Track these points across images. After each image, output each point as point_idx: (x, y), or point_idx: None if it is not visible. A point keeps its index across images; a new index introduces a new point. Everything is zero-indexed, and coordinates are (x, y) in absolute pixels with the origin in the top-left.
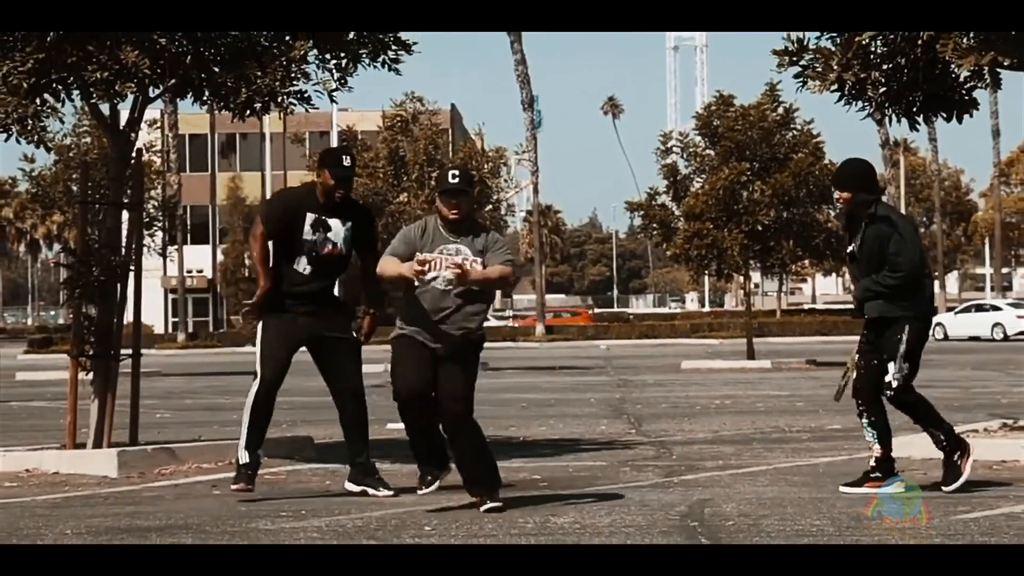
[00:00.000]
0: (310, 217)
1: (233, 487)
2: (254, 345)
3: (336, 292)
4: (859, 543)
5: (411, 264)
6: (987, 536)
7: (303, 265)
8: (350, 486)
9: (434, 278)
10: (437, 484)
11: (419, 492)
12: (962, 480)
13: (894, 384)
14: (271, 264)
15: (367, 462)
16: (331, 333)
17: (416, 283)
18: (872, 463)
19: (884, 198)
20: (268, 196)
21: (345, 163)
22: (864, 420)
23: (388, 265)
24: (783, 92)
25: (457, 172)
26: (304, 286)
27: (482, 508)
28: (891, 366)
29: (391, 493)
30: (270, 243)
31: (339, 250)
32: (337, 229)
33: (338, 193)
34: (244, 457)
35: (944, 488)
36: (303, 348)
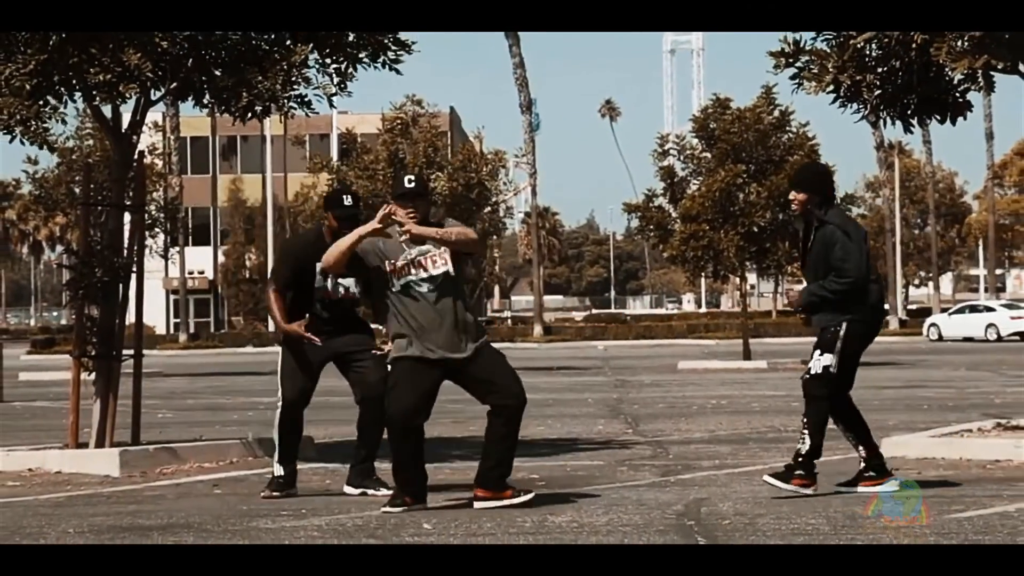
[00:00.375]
0: (319, 266)
1: (263, 495)
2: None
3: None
4: (854, 542)
5: (371, 223)
6: (981, 535)
7: (318, 309)
8: (349, 489)
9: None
10: (403, 510)
11: (383, 509)
12: (780, 484)
13: (811, 371)
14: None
15: (370, 466)
16: (349, 348)
17: (394, 288)
18: (862, 464)
19: (879, 200)
20: (279, 249)
21: (346, 203)
22: (841, 426)
23: (336, 245)
24: (779, 95)
25: (413, 177)
26: (320, 324)
27: (518, 500)
28: (817, 355)
29: (390, 492)
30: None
31: (352, 293)
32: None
33: (343, 232)
34: (278, 471)
35: (765, 475)
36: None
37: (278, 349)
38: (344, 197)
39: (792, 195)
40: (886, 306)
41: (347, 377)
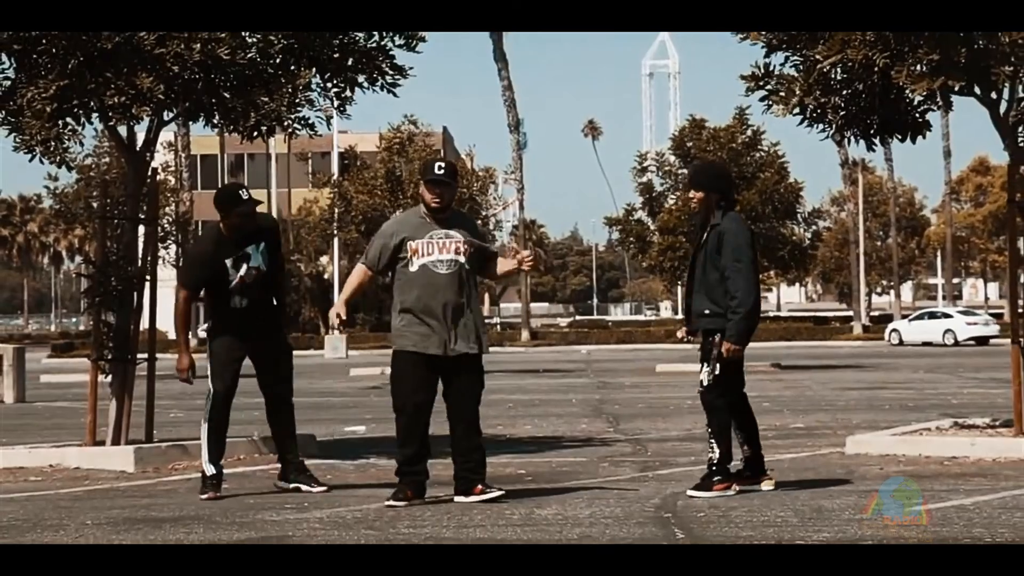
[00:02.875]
0: (229, 261)
1: (202, 496)
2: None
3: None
4: (820, 532)
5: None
6: (939, 527)
7: (237, 302)
8: (282, 484)
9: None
10: (406, 504)
11: (386, 503)
12: (703, 495)
13: (703, 383)
14: (208, 304)
15: (298, 463)
16: (266, 342)
17: (414, 267)
18: (742, 463)
19: (843, 214)
20: (186, 255)
21: (243, 197)
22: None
23: (349, 280)
24: (751, 116)
25: (443, 164)
26: (241, 315)
27: (487, 496)
28: (705, 367)
29: (323, 489)
30: (196, 298)
31: (263, 271)
32: (255, 255)
33: (247, 227)
34: (209, 469)
35: (688, 491)
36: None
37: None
38: (239, 192)
39: (692, 193)
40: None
41: (256, 369)
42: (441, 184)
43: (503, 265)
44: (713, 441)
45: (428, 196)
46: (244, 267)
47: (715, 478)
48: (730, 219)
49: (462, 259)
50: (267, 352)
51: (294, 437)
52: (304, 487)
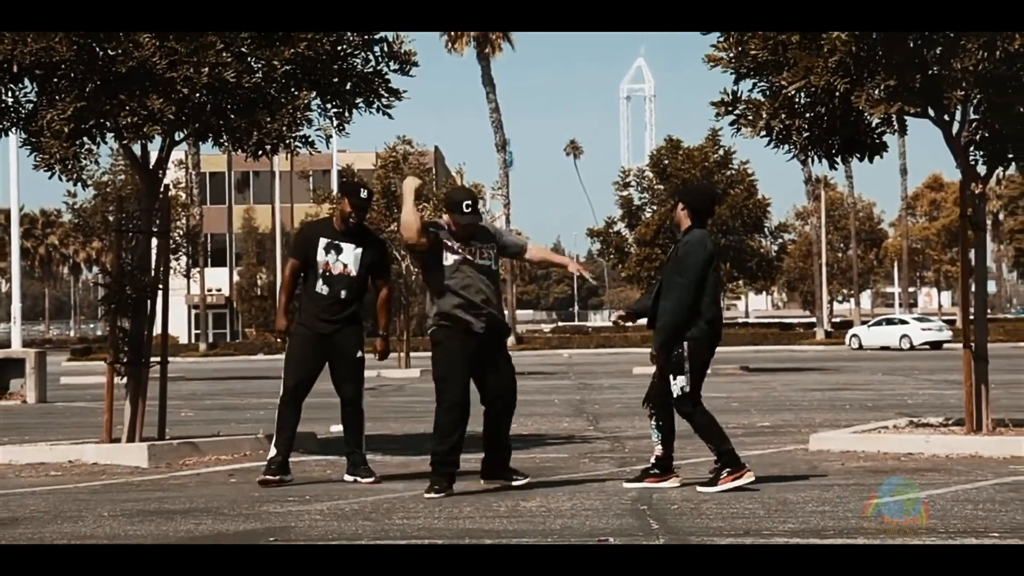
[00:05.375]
0: (323, 242)
1: (259, 480)
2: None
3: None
4: (786, 524)
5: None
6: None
7: (320, 286)
8: (347, 477)
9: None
10: (443, 495)
11: (425, 495)
12: (715, 490)
13: (674, 395)
14: (299, 290)
15: (359, 457)
16: (344, 348)
17: (450, 260)
18: (653, 460)
19: (807, 227)
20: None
21: (362, 195)
22: (652, 423)
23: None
24: (723, 137)
25: (470, 202)
26: (322, 303)
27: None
28: (672, 380)
29: (374, 480)
30: (300, 274)
31: (348, 270)
32: (348, 252)
33: (352, 219)
34: (271, 452)
35: (698, 487)
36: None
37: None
38: (361, 190)
39: (680, 206)
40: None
41: (332, 373)
42: (469, 216)
43: (546, 253)
44: (710, 445)
45: (454, 226)
46: (334, 256)
47: (726, 469)
48: (693, 235)
49: (492, 263)
50: (338, 353)
51: (356, 435)
52: (360, 479)
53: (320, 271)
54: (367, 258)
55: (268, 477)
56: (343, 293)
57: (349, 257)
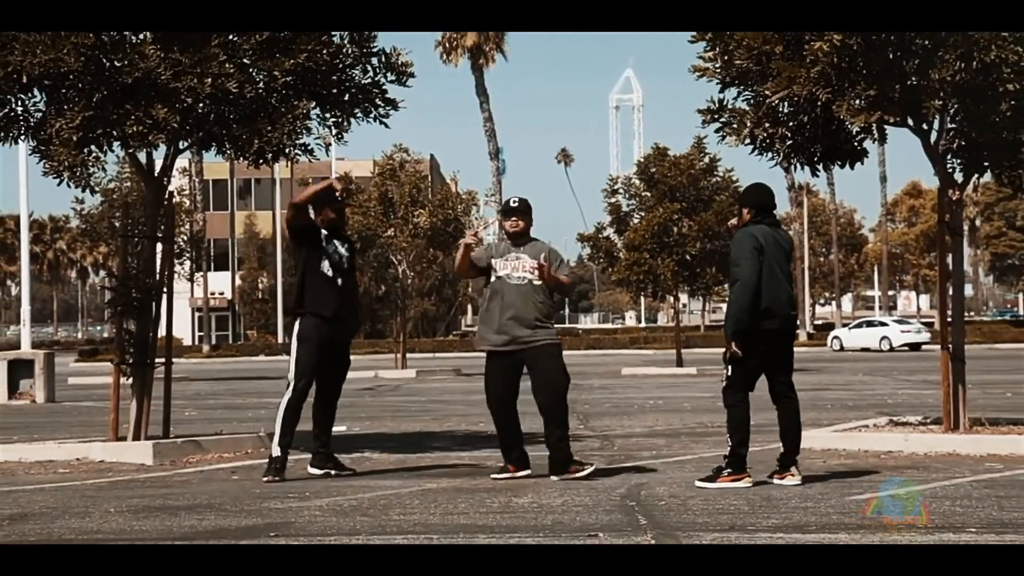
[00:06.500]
0: (324, 233)
1: (264, 479)
2: (288, 353)
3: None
4: (769, 520)
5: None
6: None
7: (326, 267)
8: (313, 470)
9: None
10: (508, 477)
11: (492, 477)
12: (712, 486)
13: (722, 384)
14: (298, 279)
15: (329, 450)
16: (343, 340)
17: (493, 278)
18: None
19: (790, 232)
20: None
21: (338, 196)
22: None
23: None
24: (708, 145)
25: (517, 199)
26: (330, 287)
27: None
28: (725, 369)
29: (351, 472)
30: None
31: (343, 262)
32: (338, 247)
33: (335, 225)
34: (276, 451)
35: (696, 481)
36: None
37: (286, 357)
38: (337, 193)
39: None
40: (793, 312)
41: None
42: (517, 213)
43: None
44: (727, 435)
45: (507, 225)
46: (333, 247)
47: (723, 471)
48: (740, 232)
49: (532, 277)
50: (336, 344)
51: (331, 428)
52: (333, 472)
53: (327, 255)
54: (351, 255)
55: (275, 478)
56: (340, 281)
57: (341, 252)
